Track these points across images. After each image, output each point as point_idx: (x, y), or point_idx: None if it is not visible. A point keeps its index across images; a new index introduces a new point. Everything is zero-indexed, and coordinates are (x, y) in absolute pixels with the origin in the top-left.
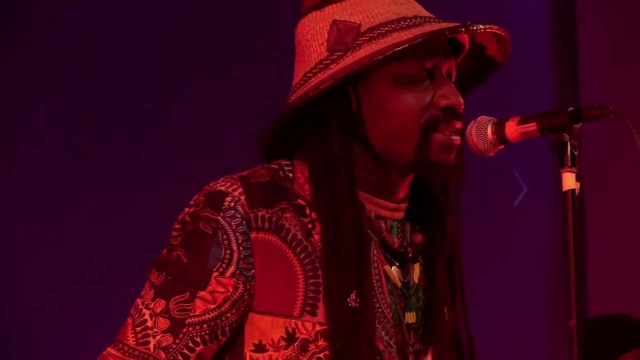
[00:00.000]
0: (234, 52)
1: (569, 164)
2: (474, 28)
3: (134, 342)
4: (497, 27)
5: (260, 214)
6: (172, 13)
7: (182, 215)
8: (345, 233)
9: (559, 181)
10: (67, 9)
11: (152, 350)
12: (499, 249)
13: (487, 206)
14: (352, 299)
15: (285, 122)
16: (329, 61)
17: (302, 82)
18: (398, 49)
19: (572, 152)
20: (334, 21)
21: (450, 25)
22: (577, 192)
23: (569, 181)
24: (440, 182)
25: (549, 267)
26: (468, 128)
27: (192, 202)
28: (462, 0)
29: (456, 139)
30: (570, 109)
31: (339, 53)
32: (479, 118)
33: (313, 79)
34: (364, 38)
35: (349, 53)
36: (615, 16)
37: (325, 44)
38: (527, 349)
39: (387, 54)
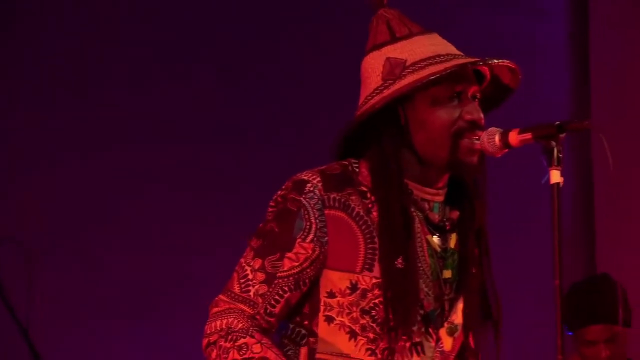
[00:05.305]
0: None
1: (555, 164)
2: (490, 62)
3: (239, 290)
4: (509, 62)
5: (332, 196)
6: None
7: (275, 196)
8: (394, 211)
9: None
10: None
11: (252, 296)
12: (527, 218)
13: (519, 186)
14: (399, 262)
15: (352, 132)
16: (383, 87)
17: (364, 102)
18: (431, 77)
19: (557, 155)
20: (387, 58)
21: (472, 60)
22: (561, 185)
23: (555, 176)
24: (467, 177)
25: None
26: (481, 136)
27: (283, 187)
28: (489, 26)
29: (478, 143)
30: (557, 122)
31: (390, 81)
32: (490, 129)
33: (371, 100)
34: (409, 70)
35: (397, 81)
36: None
37: (380, 75)
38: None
39: (423, 81)
